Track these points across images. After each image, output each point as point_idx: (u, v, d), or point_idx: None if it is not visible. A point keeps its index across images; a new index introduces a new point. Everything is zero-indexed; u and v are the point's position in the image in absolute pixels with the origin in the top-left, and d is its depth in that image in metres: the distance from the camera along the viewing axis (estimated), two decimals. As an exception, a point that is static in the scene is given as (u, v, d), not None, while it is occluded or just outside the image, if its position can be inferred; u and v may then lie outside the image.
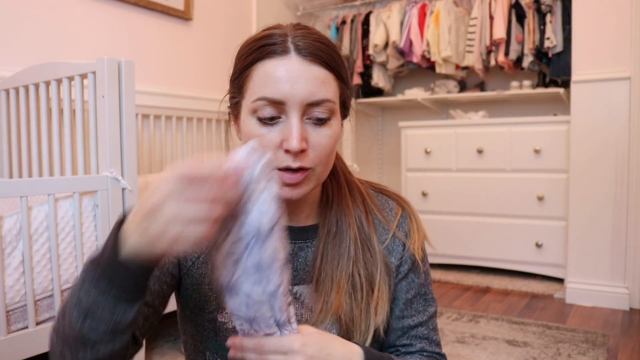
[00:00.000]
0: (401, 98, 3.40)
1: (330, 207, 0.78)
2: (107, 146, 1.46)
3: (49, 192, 1.34)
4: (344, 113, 0.75)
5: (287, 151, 0.66)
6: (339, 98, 0.70)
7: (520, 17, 2.93)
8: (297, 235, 0.77)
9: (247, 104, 0.68)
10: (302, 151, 0.66)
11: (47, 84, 1.66)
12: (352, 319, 0.74)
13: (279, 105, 0.65)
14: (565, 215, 2.69)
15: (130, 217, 0.55)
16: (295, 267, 0.76)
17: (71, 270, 1.40)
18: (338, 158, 0.83)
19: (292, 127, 0.65)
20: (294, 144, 0.64)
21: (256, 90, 0.67)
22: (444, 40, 3.10)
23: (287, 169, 0.67)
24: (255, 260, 0.55)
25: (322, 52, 0.66)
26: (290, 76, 0.65)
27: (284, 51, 0.66)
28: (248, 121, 0.68)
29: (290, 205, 0.75)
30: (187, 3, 2.73)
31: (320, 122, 0.67)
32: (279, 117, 0.66)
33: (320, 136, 0.67)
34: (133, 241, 0.53)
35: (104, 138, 1.47)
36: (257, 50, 0.67)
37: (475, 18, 3.05)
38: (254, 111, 0.67)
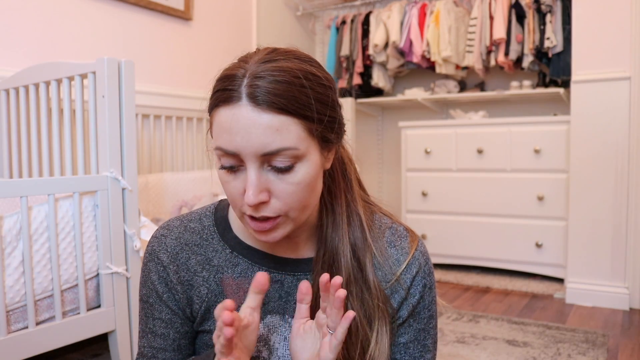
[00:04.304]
0: (401, 98, 3.40)
1: (325, 241, 0.75)
2: (107, 146, 1.46)
3: (49, 192, 1.34)
4: (327, 146, 0.69)
5: None
6: (311, 137, 0.65)
7: (520, 17, 2.93)
8: (295, 267, 0.77)
9: (213, 147, 0.67)
10: (263, 202, 0.64)
11: (47, 84, 1.66)
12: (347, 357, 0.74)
13: (235, 155, 0.63)
14: (565, 215, 2.69)
15: None
16: (295, 300, 0.75)
17: (71, 270, 1.40)
18: (350, 183, 0.78)
19: (248, 180, 0.63)
20: (250, 199, 0.63)
21: (215, 138, 0.66)
22: (444, 40, 3.10)
23: (253, 218, 0.66)
24: None
25: (277, 97, 0.61)
26: (240, 127, 0.61)
27: (236, 98, 0.62)
28: (217, 165, 0.67)
29: (284, 239, 0.74)
30: (187, 3, 2.73)
31: (282, 169, 0.64)
32: (240, 165, 0.65)
33: (284, 184, 0.64)
34: None
35: (104, 138, 1.47)
36: (214, 95, 0.65)
37: (475, 18, 3.05)
38: (218, 158, 0.66)
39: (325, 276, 0.66)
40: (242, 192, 0.65)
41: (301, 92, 0.63)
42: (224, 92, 0.63)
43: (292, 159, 0.63)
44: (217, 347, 0.63)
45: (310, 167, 0.65)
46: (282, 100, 0.61)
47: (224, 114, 0.63)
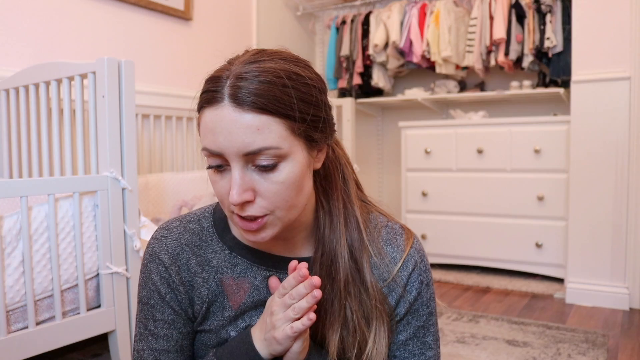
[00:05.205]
0: (401, 98, 3.40)
1: (322, 242, 0.76)
2: (107, 146, 1.47)
3: (49, 192, 1.34)
4: (314, 145, 0.69)
5: None
6: (294, 136, 0.65)
7: (520, 17, 2.93)
8: None
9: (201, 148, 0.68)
10: (248, 201, 0.65)
11: (47, 84, 1.66)
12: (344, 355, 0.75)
13: (219, 155, 0.65)
14: (565, 215, 2.69)
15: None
16: None
17: (71, 270, 1.40)
18: (347, 185, 0.79)
19: (232, 180, 0.64)
20: (234, 198, 0.64)
21: (202, 139, 0.67)
22: (444, 40, 3.10)
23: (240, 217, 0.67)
24: None
25: (258, 97, 0.62)
26: (223, 127, 0.62)
27: (220, 99, 0.63)
28: (207, 165, 0.68)
29: (281, 238, 0.75)
30: (187, 3, 2.73)
31: (266, 168, 0.64)
32: (226, 165, 0.66)
33: (268, 183, 0.65)
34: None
35: (104, 138, 1.47)
36: (201, 96, 0.66)
37: (475, 18, 3.05)
38: (206, 158, 0.67)
39: (294, 262, 0.70)
40: (229, 191, 0.65)
41: (283, 91, 0.63)
42: (209, 93, 0.64)
43: (275, 158, 0.64)
44: (290, 315, 0.67)
45: (295, 167, 0.66)
46: (263, 100, 0.62)
47: (209, 114, 0.64)
